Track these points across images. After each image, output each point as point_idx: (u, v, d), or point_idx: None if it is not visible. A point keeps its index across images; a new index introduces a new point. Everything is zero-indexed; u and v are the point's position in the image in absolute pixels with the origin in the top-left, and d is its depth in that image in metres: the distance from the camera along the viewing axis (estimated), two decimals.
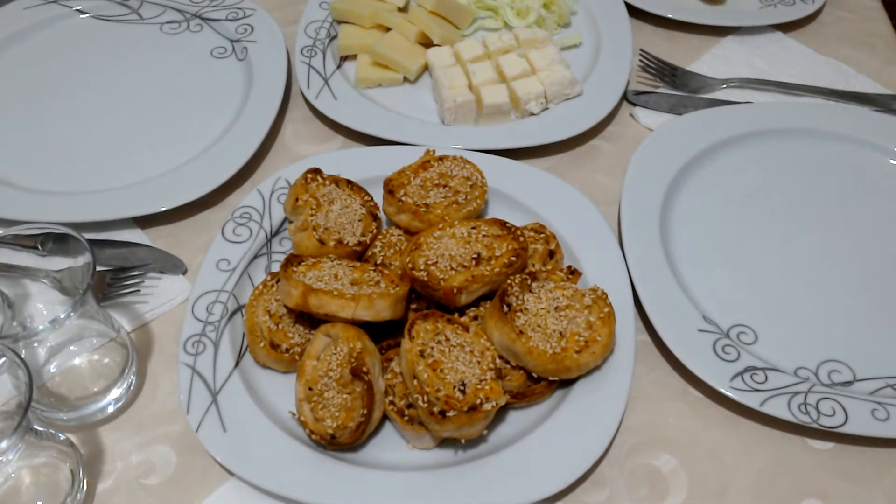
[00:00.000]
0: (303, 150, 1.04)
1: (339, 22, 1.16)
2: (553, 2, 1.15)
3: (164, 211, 0.91)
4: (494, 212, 0.93)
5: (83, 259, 0.73)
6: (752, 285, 0.88)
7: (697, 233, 0.92)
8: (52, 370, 0.77)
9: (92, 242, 0.88)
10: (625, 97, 1.09)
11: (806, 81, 1.13)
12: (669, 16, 1.19)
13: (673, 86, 1.12)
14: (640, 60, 1.14)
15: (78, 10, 1.18)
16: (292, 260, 0.78)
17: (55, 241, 0.88)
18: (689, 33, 1.20)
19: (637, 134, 1.06)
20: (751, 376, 0.77)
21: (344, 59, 1.12)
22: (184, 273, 0.89)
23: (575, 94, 1.06)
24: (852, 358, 0.81)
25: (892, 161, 1.01)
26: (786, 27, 1.21)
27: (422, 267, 0.78)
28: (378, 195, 0.89)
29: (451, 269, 0.78)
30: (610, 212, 0.94)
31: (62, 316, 0.67)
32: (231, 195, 0.98)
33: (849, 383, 0.79)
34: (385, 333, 0.79)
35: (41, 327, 0.67)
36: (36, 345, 0.75)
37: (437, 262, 0.78)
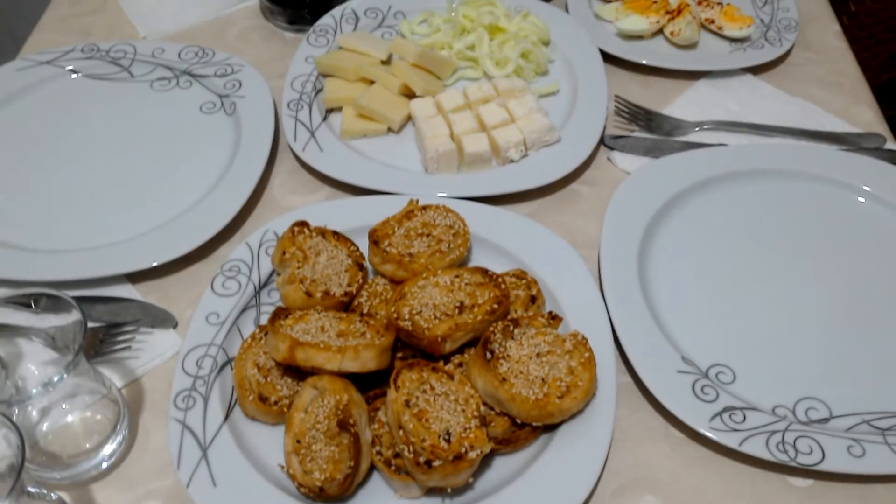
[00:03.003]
0: (291, 202, 1.07)
1: (325, 75, 1.19)
2: (530, 52, 1.19)
3: (155, 266, 0.94)
4: (478, 258, 0.95)
5: (74, 319, 0.74)
6: (729, 325, 0.90)
7: (675, 273, 0.95)
8: (45, 429, 0.78)
9: (83, 300, 0.91)
10: (602, 142, 1.12)
11: (777, 122, 1.16)
12: (644, 62, 1.23)
13: (648, 129, 1.15)
14: (616, 105, 1.18)
15: (70, 69, 1.21)
16: (280, 313, 0.80)
17: (49, 298, 0.89)
18: (663, 77, 1.24)
19: (615, 177, 1.09)
20: (730, 416, 0.79)
21: (329, 111, 1.16)
22: (174, 327, 0.91)
23: (553, 141, 1.09)
24: (828, 395, 0.83)
25: (860, 199, 1.04)
26: (756, 70, 1.24)
27: (406, 316, 0.80)
28: (364, 244, 0.91)
29: (435, 317, 0.80)
30: (590, 255, 0.97)
31: (55, 379, 0.68)
32: (220, 248, 1.00)
33: (825, 420, 0.81)
34: (372, 383, 0.80)
35: (34, 391, 0.68)
36: (29, 406, 0.76)
37: (421, 312, 0.80)
